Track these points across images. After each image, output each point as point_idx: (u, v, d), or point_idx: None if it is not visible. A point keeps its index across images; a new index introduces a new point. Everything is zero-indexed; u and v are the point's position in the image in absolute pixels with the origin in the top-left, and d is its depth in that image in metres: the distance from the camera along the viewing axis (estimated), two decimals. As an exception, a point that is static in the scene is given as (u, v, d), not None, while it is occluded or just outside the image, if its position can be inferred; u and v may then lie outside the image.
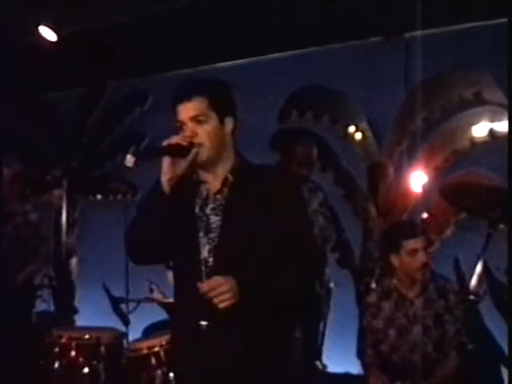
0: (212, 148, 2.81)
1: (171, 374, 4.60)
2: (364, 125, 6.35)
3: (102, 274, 6.01)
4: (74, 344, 4.84)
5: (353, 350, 5.37)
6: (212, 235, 2.82)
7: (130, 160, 2.73)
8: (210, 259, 2.79)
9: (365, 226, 6.29)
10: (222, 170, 2.87)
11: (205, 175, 2.90)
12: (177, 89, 2.87)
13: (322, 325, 5.62)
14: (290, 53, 6.58)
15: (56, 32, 6.70)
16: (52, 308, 6.51)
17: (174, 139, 2.78)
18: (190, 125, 2.81)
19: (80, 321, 6.98)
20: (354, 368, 5.49)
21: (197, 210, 2.87)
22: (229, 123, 2.87)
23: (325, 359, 5.88)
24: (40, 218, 6.18)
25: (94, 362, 4.86)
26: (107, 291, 5.32)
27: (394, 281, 4.28)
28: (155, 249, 2.90)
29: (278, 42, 6.35)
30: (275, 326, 2.80)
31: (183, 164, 2.79)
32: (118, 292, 5.34)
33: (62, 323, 6.13)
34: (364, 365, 4.67)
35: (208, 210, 2.86)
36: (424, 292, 4.16)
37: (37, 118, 8.17)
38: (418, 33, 5.49)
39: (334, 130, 6.48)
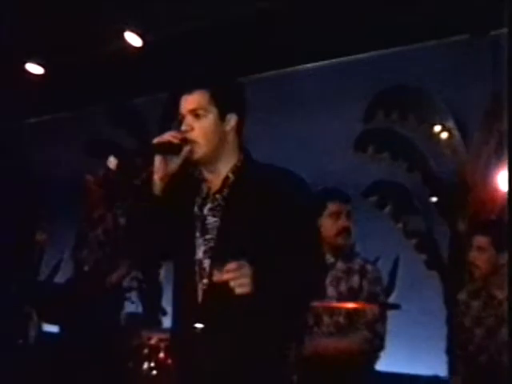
0: (208, 145, 2.76)
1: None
2: (450, 124, 6.40)
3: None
4: (162, 345, 4.77)
5: (441, 353, 5.39)
6: (208, 236, 2.75)
7: (112, 161, 2.77)
8: (205, 261, 2.73)
9: (452, 227, 6.31)
10: (224, 168, 2.81)
11: (206, 173, 2.85)
12: (180, 81, 2.85)
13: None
14: (374, 53, 6.65)
15: (141, 37, 6.94)
16: (140, 310, 6.66)
17: (165, 136, 2.74)
18: (188, 118, 2.77)
19: (168, 322, 6.98)
20: (443, 371, 5.49)
21: (196, 209, 2.82)
22: (231, 120, 2.80)
23: (413, 362, 5.98)
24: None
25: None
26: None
27: (483, 280, 4.38)
28: (149, 249, 2.90)
29: (361, 43, 6.48)
30: (273, 336, 2.72)
31: (176, 162, 2.75)
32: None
33: (151, 325, 6.25)
34: (452, 367, 4.79)
35: (206, 210, 2.80)
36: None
37: (122, 123, 8.39)
38: (505, 30, 5.46)
39: (420, 129, 6.54)
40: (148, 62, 6.95)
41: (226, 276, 2.51)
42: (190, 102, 2.77)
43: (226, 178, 2.80)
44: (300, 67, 7.03)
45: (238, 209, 2.74)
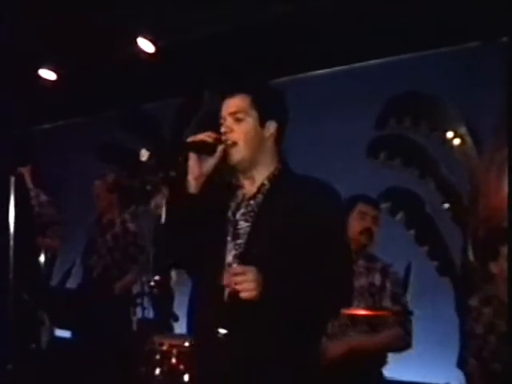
0: (247, 148, 2.77)
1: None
2: (463, 130, 6.35)
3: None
4: (174, 351, 4.74)
5: (453, 361, 5.27)
6: (239, 241, 2.75)
7: (144, 154, 2.75)
8: (235, 265, 2.69)
9: (465, 234, 6.27)
10: (260, 175, 2.83)
11: (242, 180, 2.87)
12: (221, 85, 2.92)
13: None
14: (386, 59, 6.59)
15: (154, 43, 6.96)
16: (152, 315, 6.35)
17: (200, 136, 2.77)
18: (228, 121, 2.80)
19: (180, 328, 6.81)
20: (455, 380, 5.28)
21: (229, 213, 2.82)
22: (270, 127, 2.82)
23: (424, 370, 5.92)
24: (138, 226, 6.46)
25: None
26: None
27: (495, 288, 4.34)
28: (180, 250, 2.86)
29: (373, 49, 6.41)
30: (294, 340, 2.69)
31: (211, 162, 2.77)
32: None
33: (163, 330, 6.15)
34: (465, 375, 4.65)
35: (238, 215, 2.80)
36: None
37: (134, 128, 8.36)
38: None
39: (432, 136, 6.50)
40: (160, 67, 6.96)
41: (231, 279, 2.52)
42: (231, 105, 2.81)
43: (262, 184, 2.82)
44: (312, 73, 7.01)
45: (270, 215, 2.73)
